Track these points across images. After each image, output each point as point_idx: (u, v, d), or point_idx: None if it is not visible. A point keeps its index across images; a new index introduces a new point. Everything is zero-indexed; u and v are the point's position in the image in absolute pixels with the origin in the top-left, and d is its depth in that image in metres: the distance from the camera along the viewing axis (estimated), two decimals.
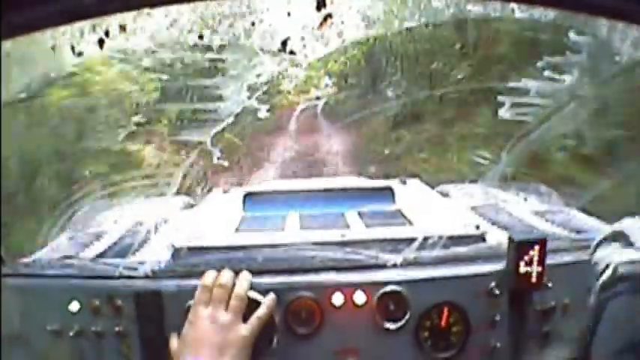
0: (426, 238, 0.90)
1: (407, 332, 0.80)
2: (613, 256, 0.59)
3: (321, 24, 0.75)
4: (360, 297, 0.79)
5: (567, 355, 0.81)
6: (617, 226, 0.62)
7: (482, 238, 0.98)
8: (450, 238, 0.91)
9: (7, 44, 0.55)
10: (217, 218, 1.28)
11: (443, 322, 0.81)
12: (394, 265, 0.84)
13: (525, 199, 1.39)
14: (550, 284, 0.81)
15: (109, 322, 0.79)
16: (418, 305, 0.80)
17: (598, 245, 0.63)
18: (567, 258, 0.86)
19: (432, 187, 1.63)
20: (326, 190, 1.45)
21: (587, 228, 1.09)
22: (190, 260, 0.88)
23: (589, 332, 0.61)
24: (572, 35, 0.85)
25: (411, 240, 0.90)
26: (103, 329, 0.79)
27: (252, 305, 0.74)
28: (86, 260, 0.93)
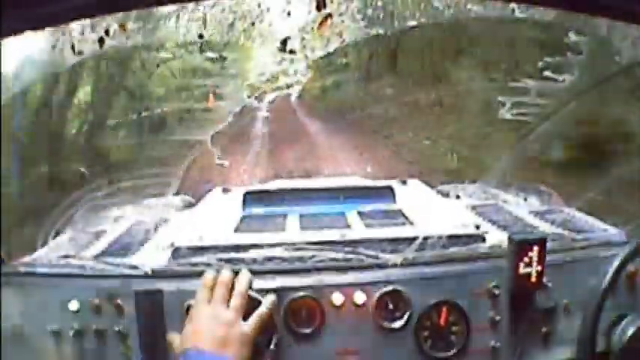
0: (426, 238, 0.90)
1: (407, 332, 0.80)
2: None
3: (321, 24, 0.75)
4: (360, 297, 0.80)
5: (567, 355, 0.81)
6: None
7: (482, 238, 0.98)
8: (450, 238, 0.91)
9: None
10: (217, 218, 1.28)
11: (443, 322, 0.81)
12: (394, 265, 0.84)
13: (525, 199, 1.39)
14: (550, 284, 0.81)
15: (109, 321, 0.79)
16: (418, 305, 0.80)
17: None
18: (567, 258, 0.86)
19: (432, 187, 1.64)
20: (326, 190, 1.45)
21: (587, 228, 1.09)
22: (190, 260, 0.88)
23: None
24: (572, 35, 0.85)
25: (411, 240, 0.90)
26: (103, 328, 0.79)
27: (253, 304, 0.74)
28: (86, 260, 0.93)
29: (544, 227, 1.12)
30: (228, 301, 0.72)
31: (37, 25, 0.53)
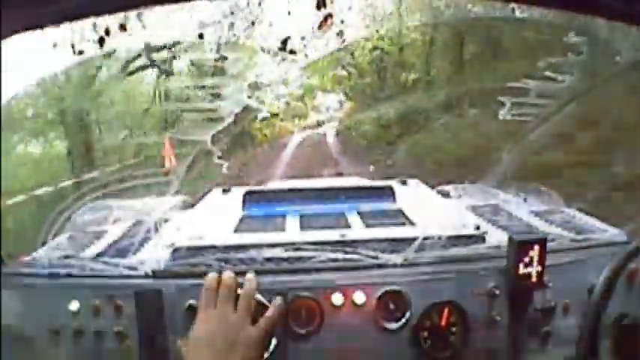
0: (426, 238, 0.90)
1: (407, 332, 0.80)
2: None
3: (321, 24, 0.75)
4: (360, 297, 0.80)
5: (567, 355, 0.81)
6: None
7: (482, 238, 0.98)
8: (450, 238, 0.91)
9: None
10: (217, 218, 1.28)
11: (443, 322, 0.81)
12: (394, 265, 0.84)
13: (525, 199, 1.39)
14: (550, 284, 0.81)
15: (109, 321, 0.79)
16: (418, 305, 0.80)
17: None
18: (567, 258, 0.86)
19: (432, 187, 1.63)
20: (326, 190, 1.45)
21: (587, 228, 1.09)
22: (190, 260, 0.88)
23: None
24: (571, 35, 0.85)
25: (411, 240, 0.90)
26: (102, 329, 0.79)
27: (259, 308, 0.73)
28: (86, 260, 0.93)
29: (544, 227, 1.12)
30: (235, 302, 0.71)
31: (37, 25, 0.53)
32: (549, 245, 0.79)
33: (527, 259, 0.78)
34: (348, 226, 1.12)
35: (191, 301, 0.77)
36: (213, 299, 0.71)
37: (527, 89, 0.92)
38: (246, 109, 0.96)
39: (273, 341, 0.76)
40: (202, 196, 1.62)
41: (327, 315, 0.79)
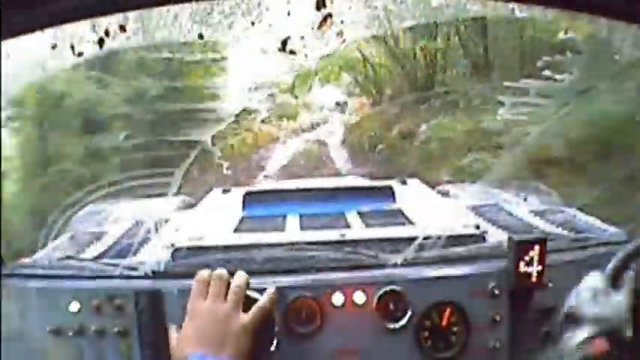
0: (426, 238, 0.90)
1: (407, 332, 0.80)
2: None
3: (321, 24, 0.75)
4: (360, 297, 0.80)
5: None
6: None
7: (482, 238, 0.98)
8: (450, 238, 0.91)
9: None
10: (217, 218, 1.28)
11: (443, 322, 0.81)
12: (394, 265, 0.84)
13: (525, 199, 1.39)
14: (550, 284, 0.81)
15: (109, 321, 0.79)
16: (418, 305, 0.80)
17: None
18: (567, 258, 0.86)
19: (432, 187, 1.64)
20: (326, 190, 1.45)
21: (587, 228, 1.09)
22: (190, 260, 0.88)
23: None
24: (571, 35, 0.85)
25: (411, 240, 0.90)
26: (103, 329, 0.79)
27: (251, 304, 0.74)
28: (86, 260, 0.93)
29: (544, 227, 1.12)
30: (226, 295, 0.72)
31: (37, 25, 0.53)
32: (549, 245, 0.79)
33: (527, 259, 0.78)
34: (348, 226, 1.12)
35: None
36: (204, 292, 0.71)
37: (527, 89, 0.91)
38: (246, 110, 0.96)
39: (275, 340, 0.76)
40: (202, 196, 1.63)
41: (327, 315, 0.79)
